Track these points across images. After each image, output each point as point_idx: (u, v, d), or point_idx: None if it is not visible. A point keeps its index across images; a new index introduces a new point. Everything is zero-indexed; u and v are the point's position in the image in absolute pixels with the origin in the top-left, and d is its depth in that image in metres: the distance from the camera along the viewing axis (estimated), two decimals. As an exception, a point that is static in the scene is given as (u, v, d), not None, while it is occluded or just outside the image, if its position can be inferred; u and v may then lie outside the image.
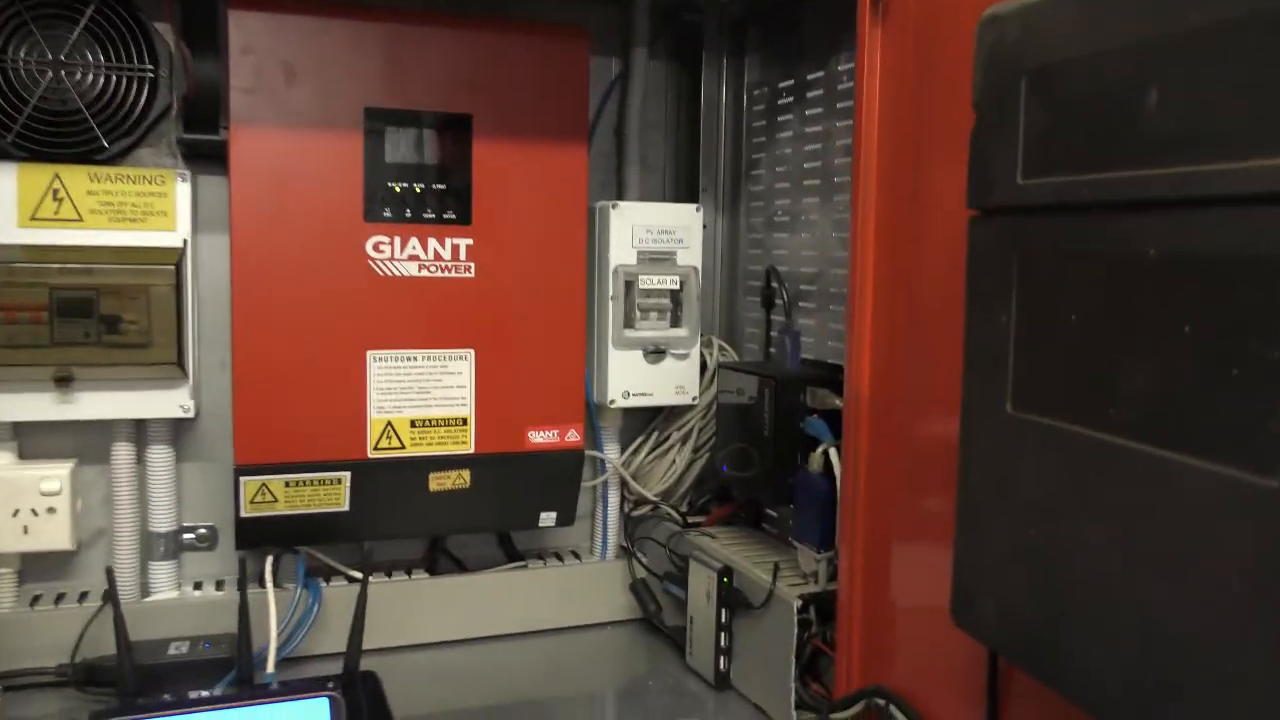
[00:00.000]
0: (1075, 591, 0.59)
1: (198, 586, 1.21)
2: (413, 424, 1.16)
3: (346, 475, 1.14)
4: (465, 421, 1.18)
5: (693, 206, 1.30)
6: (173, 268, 1.10)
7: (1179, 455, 0.51)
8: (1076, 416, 0.59)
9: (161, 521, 1.18)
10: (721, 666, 1.14)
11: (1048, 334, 0.62)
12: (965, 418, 0.69)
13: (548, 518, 1.25)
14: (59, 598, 1.16)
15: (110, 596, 1.01)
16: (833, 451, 1.04)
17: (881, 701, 0.93)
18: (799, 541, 1.08)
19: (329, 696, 0.93)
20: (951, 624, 0.72)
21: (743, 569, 1.12)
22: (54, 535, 1.12)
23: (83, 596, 1.17)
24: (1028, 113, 0.63)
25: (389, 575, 1.26)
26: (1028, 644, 0.64)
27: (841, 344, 1.13)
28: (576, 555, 1.36)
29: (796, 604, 1.03)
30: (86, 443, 1.17)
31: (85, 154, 1.10)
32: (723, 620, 1.13)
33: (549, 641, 1.29)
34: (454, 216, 1.16)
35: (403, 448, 1.16)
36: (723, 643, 1.13)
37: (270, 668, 1.10)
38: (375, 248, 1.13)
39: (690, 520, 1.30)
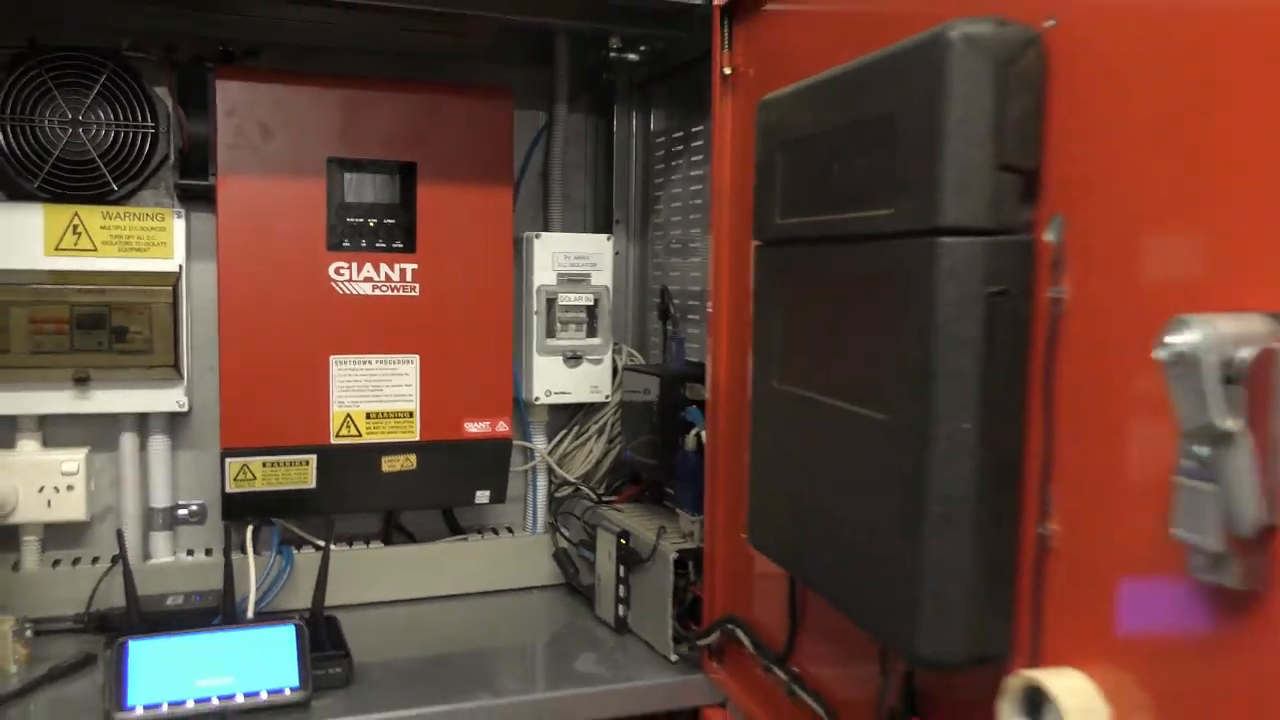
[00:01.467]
0: (806, 508, 0.84)
1: (190, 553, 1.46)
2: (368, 416, 1.41)
3: (313, 458, 1.39)
4: (412, 414, 1.43)
5: (604, 236, 1.56)
6: (171, 289, 1.35)
7: (848, 404, 0.77)
8: (807, 384, 0.84)
9: (160, 499, 1.43)
10: (620, 614, 1.39)
11: (796, 328, 0.87)
12: (752, 391, 0.95)
13: (482, 495, 1.50)
14: (75, 561, 1.41)
15: (120, 554, 1.26)
16: (704, 434, 1.30)
17: (730, 627, 1.18)
18: (680, 508, 1.33)
19: (295, 624, 1.18)
20: (768, 563, 0.98)
21: (637, 532, 1.37)
22: (71, 508, 1.36)
23: (94, 560, 1.41)
24: (782, 172, 0.89)
25: (350, 545, 1.51)
26: (786, 550, 0.90)
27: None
28: (510, 530, 1.61)
29: (673, 556, 1.28)
30: (97, 434, 1.42)
31: (98, 196, 1.35)
32: (620, 575, 1.38)
33: (485, 601, 1.53)
34: (401, 246, 1.41)
35: (359, 435, 1.41)
36: (621, 594, 1.38)
37: (250, 615, 1.35)
38: (336, 271, 1.38)
39: (605, 499, 1.55)
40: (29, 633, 1.25)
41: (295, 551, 1.45)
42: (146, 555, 1.43)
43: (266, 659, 1.14)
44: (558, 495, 1.60)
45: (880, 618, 0.71)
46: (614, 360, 1.58)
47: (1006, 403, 0.66)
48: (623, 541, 1.37)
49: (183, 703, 1.09)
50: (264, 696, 1.11)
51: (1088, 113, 0.64)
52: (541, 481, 1.60)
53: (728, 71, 1.19)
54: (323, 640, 1.22)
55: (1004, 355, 0.66)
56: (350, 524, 1.53)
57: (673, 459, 1.35)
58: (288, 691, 1.12)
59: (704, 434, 1.29)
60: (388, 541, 1.54)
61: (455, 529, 1.59)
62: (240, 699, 1.10)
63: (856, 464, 0.76)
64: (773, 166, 0.90)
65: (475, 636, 1.42)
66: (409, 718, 1.14)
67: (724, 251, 1.21)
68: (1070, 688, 0.61)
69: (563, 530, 1.57)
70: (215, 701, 1.10)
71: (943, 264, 0.65)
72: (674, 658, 1.28)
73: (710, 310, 1.22)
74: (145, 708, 1.07)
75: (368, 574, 1.48)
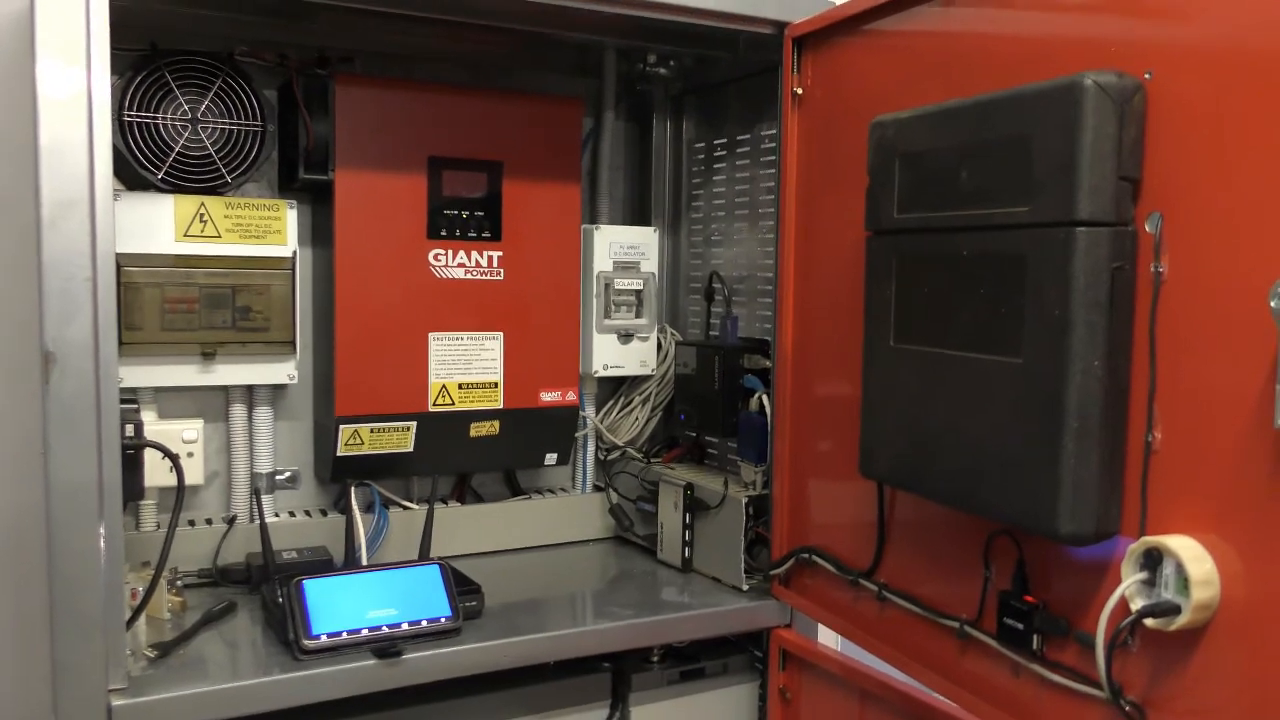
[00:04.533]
0: (927, 437, 1.08)
1: (292, 514, 1.60)
2: (460, 386, 1.59)
3: (413, 424, 1.56)
4: (496, 385, 1.61)
5: (650, 229, 1.77)
6: (288, 271, 1.50)
7: (977, 354, 1.01)
8: (927, 341, 1.08)
9: (263, 464, 1.57)
10: (686, 555, 1.60)
11: (912, 299, 1.11)
12: (866, 351, 1.18)
13: (551, 457, 1.69)
14: (190, 522, 1.54)
15: (258, 509, 1.40)
16: (764, 397, 1.52)
17: (806, 554, 1.41)
18: (742, 460, 1.56)
19: (438, 564, 1.35)
20: (842, 500, 1.22)
21: (700, 484, 1.59)
22: (191, 474, 1.49)
23: (208, 521, 1.54)
24: (900, 177, 1.12)
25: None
26: (903, 474, 1.13)
27: (765, 325, 1.63)
28: (565, 490, 1.81)
29: (744, 500, 1.50)
30: (205, 406, 1.55)
31: (213, 188, 1.49)
32: (686, 521, 1.60)
33: (550, 553, 1.73)
34: (489, 235, 1.59)
35: (453, 404, 1.58)
36: (686, 537, 1.60)
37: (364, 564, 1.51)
38: (434, 257, 1.56)
39: (652, 461, 1.76)
40: (180, 582, 1.39)
41: (388, 510, 1.61)
42: (252, 517, 1.57)
43: (419, 594, 1.31)
44: (605, 459, 1.81)
45: (1021, 509, 0.96)
46: (658, 338, 1.79)
47: (1122, 346, 0.92)
48: (689, 492, 1.59)
49: (358, 630, 1.25)
50: (424, 624, 1.28)
51: (1175, 139, 0.90)
52: (591, 446, 1.80)
53: (799, 92, 1.42)
54: (455, 579, 1.39)
55: (1121, 312, 0.91)
56: (425, 486, 1.70)
57: (733, 420, 1.57)
58: (443, 620, 1.30)
59: (765, 397, 1.52)
60: (462, 501, 1.71)
61: (516, 490, 1.77)
62: (405, 626, 1.27)
63: (987, 398, 1.00)
64: (889, 173, 1.13)
65: (557, 580, 1.62)
66: (548, 639, 1.33)
67: (790, 242, 1.44)
68: (1182, 544, 0.86)
69: (615, 488, 1.78)
70: (385, 629, 1.26)
71: (1081, 247, 0.90)
72: (745, 587, 1.50)
73: (778, 291, 1.45)
74: (328, 635, 1.23)
75: (448, 530, 1.65)
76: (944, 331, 1.06)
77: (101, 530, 1.09)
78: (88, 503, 1.08)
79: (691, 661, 1.50)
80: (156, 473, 1.47)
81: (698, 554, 1.60)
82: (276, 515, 1.59)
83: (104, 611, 1.09)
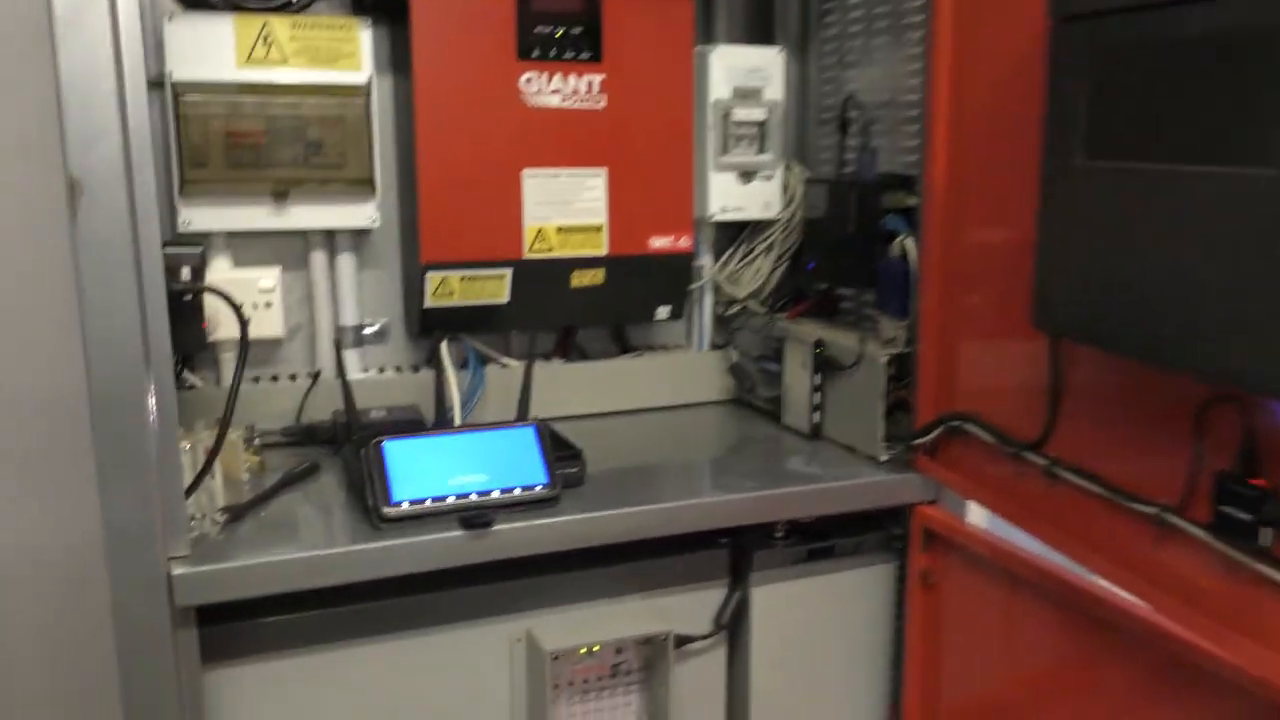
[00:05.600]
0: (1126, 278, 0.85)
1: (381, 370, 1.47)
2: (559, 230, 1.41)
3: (508, 272, 1.39)
4: (600, 228, 1.43)
5: (775, 49, 1.53)
6: (363, 100, 1.33)
7: (1204, 167, 0.77)
8: (1131, 155, 0.84)
9: (348, 316, 1.44)
10: (815, 420, 1.42)
11: (1111, 102, 0.87)
12: (1045, 173, 0.95)
13: (662, 311, 1.51)
14: (274, 377, 1.42)
15: (338, 364, 1.27)
16: (909, 241, 1.30)
17: (956, 422, 1.21)
18: (882, 314, 1.35)
19: (535, 425, 1.20)
20: (1004, 359, 1.00)
21: (832, 341, 1.39)
22: (269, 326, 1.37)
23: (292, 377, 1.43)
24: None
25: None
26: (1089, 325, 0.91)
27: (910, 158, 1.39)
28: (679, 348, 1.63)
29: (883, 359, 1.30)
30: (283, 253, 1.41)
31: (278, 6, 1.32)
32: (815, 383, 1.40)
33: (663, 416, 1.56)
34: (589, 56, 1.38)
35: (551, 249, 1.41)
36: (815, 401, 1.41)
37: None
38: (526, 82, 1.36)
39: (775, 315, 1.57)
40: (257, 441, 1.28)
41: (483, 367, 1.47)
42: (337, 372, 1.44)
43: (513, 459, 1.17)
44: (724, 314, 1.62)
45: (1258, 367, 0.73)
46: (784, 176, 1.56)
47: None
48: (819, 350, 1.39)
49: (444, 498, 1.12)
50: (517, 492, 1.14)
51: None
52: (708, 300, 1.61)
53: None
54: (553, 443, 1.24)
55: None
56: (524, 342, 1.54)
57: (871, 268, 1.35)
58: (538, 488, 1.15)
59: (910, 241, 1.30)
60: (565, 358, 1.56)
61: (625, 347, 1.61)
62: (496, 494, 1.13)
63: (1216, 222, 0.76)
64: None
65: (671, 445, 1.46)
66: (657, 512, 1.18)
67: (945, 51, 1.19)
68: None
69: (734, 345, 1.59)
70: (474, 496, 1.13)
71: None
72: (883, 458, 1.31)
73: (928, 113, 1.21)
74: (410, 502, 1.10)
75: (550, 389, 1.50)
76: (1156, 141, 0.82)
77: (150, 386, 0.96)
78: (131, 356, 0.95)
79: (820, 539, 1.33)
80: (231, 324, 1.35)
81: (828, 420, 1.42)
82: (365, 371, 1.46)
83: (159, 474, 0.98)
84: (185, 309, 1.11)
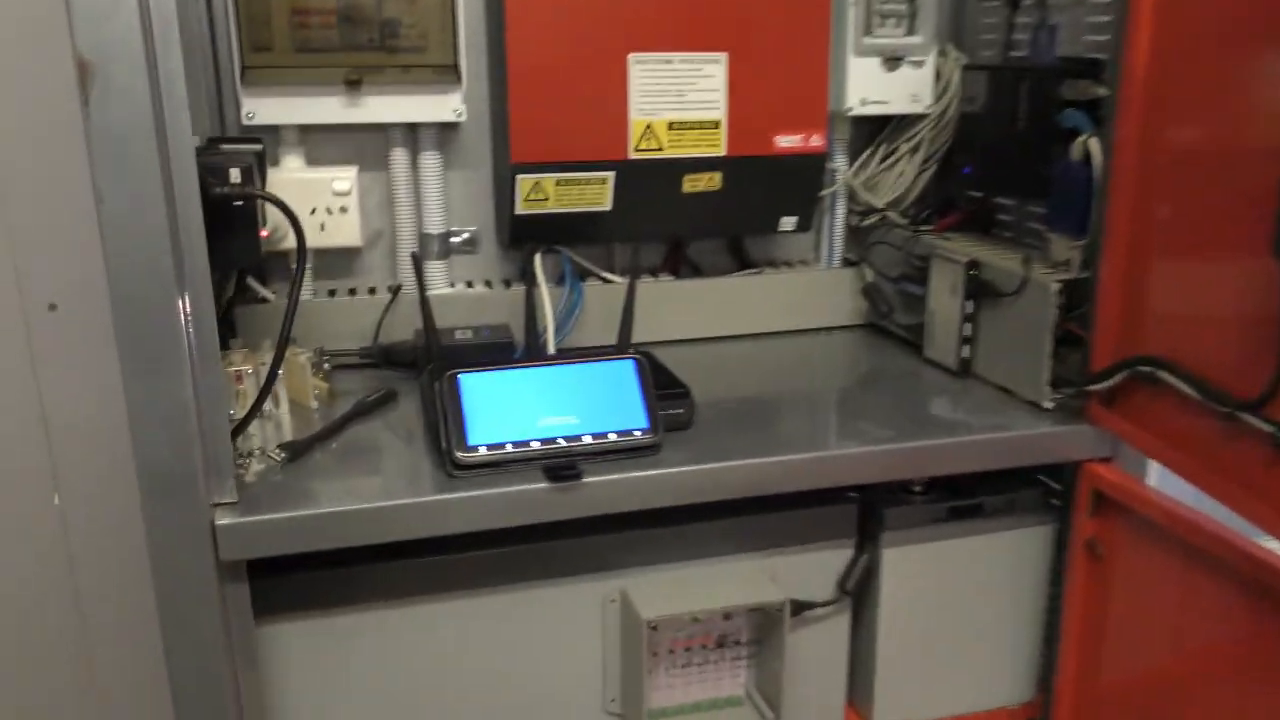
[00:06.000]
0: None
1: (469, 284, 1.32)
2: (670, 126, 1.21)
3: (610, 175, 1.21)
4: (717, 124, 1.23)
5: (932, -94, 1.28)
6: (446, -29, 1.14)
7: None
8: None
9: (434, 224, 1.28)
10: (965, 355, 1.21)
11: None
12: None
13: (788, 222, 1.31)
14: (351, 291, 1.28)
15: (417, 278, 1.11)
16: (1093, 141, 1.07)
17: (1146, 367, 0.99)
18: (1053, 231, 1.12)
19: (635, 359, 1.03)
20: (1217, 292, 0.78)
21: (989, 261, 1.17)
22: (346, 233, 1.22)
23: (371, 290, 1.28)
24: None
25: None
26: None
27: (1099, 37, 1.14)
28: (805, 264, 1.43)
29: (1054, 285, 1.08)
30: (362, 151, 1.25)
31: None
32: (967, 310, 1.19)
33: (785, 342, 1.37)
34: (709, -85, 1.16)
35: (660, 149, 1.22)
36: (966, 332, 1.20)
37: (551, 350, 1.21)
38: (635, -52, 1.15)
39: (920, 229, 1.35)
40: (327, 365, 1.14)
41: (583, 284, 1.30)
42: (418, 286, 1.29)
43: (608, 397, 1.00)
44: (859, 226, 1.40)
45: None
46: (936, 64, 1.32)
47: None
48: (973, 272, 1.18)
49: (526, 442, 0.96)
50: (612, 438, 0.98)
51: None
52: (840, 209, 1.40)
53: None
54: (656, 378, 1.07)
55: None
56: (628, 255, 1.36)
57: (1044, 173, 1.12)
58: (637, 433, 0.99)
59: (1095, 140, 1.06)
60: (676, 274, 1.37)
61: (743, 262, 1.41)
62: (588, 439, 0.97)
63: None
64: None
65: (793, 378, 1.27)
66: (775, 466, 1.00)
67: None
68: None
69: (870, 263, 1.38)
70: (561, 442, 0.97)
71: None
72: (1048, 404, 1.10)
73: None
74: (488, 447, 0.95)
75: (656, 310, 1.32)
76: None
77: (184, 305, 0.82)
78: (158, 270, 0.80)
79: (964, 496, 1.13)
80: (307, 231, 1.21)
81: (980, 355, 1.20)
82: (451, 286, 1.31)
83: (199, 408, 0.84)
84: (236, 215, 0.96)
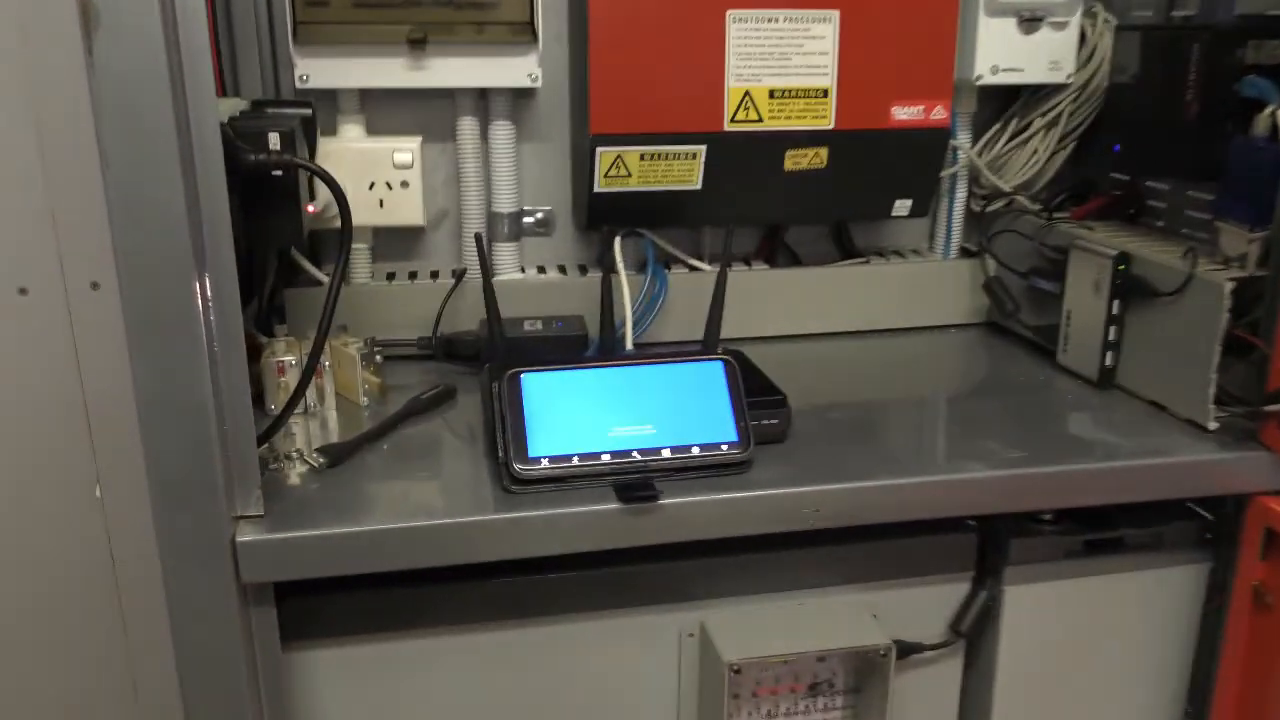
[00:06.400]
0: None
1: (541, 270, 1.19)
2: (771, 94, 1.07)
3: (702, 149, 1.07)
4: (826, 93, 1.08)
5: None
6: (521, -84, 1.01)
7: None
8: None
9: (504, 202, 1.15)
10: (1108, 363, 1.04)
11: None
12: None
13: (902, 206, 1.16)
14: (412, 275, 1.17)
15: (481, 261, 0.99)
16: (1281, 114, 0.89)
17: (1345, 388, 0.82)
18: (1225, 220, 0.95)
19: (723, 360, 0.89)
20: None
21: (1141, 254, 1.00)
22: (408, 210, 1.11)
23: (434, 275, 1.17)
24: None
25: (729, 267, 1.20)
26: None
27: (1287, -8, 0.96)
28: (918, 254, 1.27)
29: (1225, 284, 0.91)
30: (427, 119, 1.13)
31: None
32: (1113, 311, 1.02)
33: (893, 341, 1.22)
34: None
35: (760, 120, 1.07)
36: (1111, 336, 1.03)
37: (629, 345, 1.08)
38: (736, -111, 1.01)
39: (1053, 215, 1.18)
40: (379, 357, 1.03)
41: (667, 272, 1.16)
42: (491, 271, 1.16)
43: (692, 404, 0.87)
44: (983, 211, 1.24)
45: None
46: (1081, 26, 1.15)
47: None
48: (1122, 267, 1.01)
49: (596, 455, 0.83)
50: (695, 452, 0.84)
51: None
52: (961, 192, 1.24)
53: None
54: (748, 382, 0.93)
55: None
56: (719, 240, 1.22)
57: (1217, 151, 0.95)
58: (724, 447, 0.85)
59: (1283, 114, 0.89)
60: (772, 263, 1.23)
61: (849, 251, 1.26)
62: (666, 454, 0.84)
63: None
64: None
65: (904, 384, 1.12)
66: (883, 490, 0.86)
67: None
68: None
69: (994, 254, 1.21)
70: (636, 456, 0.83)
71: None
72: (1212, 425, 0.93)
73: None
74: (552, 459, 0.82)
75: (750, 302, 1.18)
76: None
77: (203, 287, 0.71)
78: (172, 246, 0.69)
79: (1102, 527, 0.97)
80: (361, 206, 1.10)
81: (1126, 363, 1.04)
82: (522, 271, 1.18)
83: (220, 406, 0.73)
84: (276, 187, 0.85)
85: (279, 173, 0.85)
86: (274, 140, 0.84)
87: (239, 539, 0.75)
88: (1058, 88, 1.17)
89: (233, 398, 0.74)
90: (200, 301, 0.71)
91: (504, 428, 0.83)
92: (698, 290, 1.09)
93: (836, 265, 1.23)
